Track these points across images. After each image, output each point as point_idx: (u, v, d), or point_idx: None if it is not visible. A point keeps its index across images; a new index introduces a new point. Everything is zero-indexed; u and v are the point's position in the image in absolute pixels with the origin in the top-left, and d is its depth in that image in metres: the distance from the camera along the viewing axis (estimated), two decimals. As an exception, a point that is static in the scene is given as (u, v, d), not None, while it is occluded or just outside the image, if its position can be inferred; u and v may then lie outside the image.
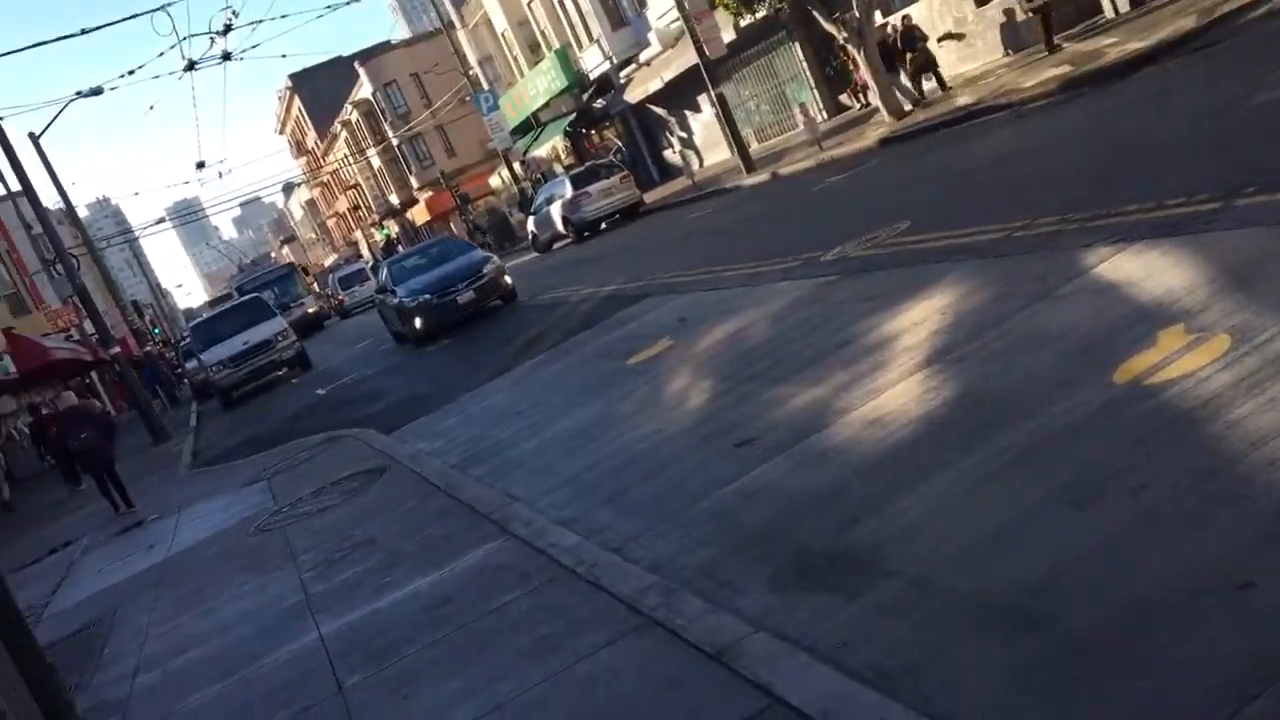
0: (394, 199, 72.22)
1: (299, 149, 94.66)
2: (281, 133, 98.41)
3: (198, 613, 7.84)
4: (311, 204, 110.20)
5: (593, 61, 39.93)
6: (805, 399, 6.68)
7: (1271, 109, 8.94)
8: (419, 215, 68.23)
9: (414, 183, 66.46)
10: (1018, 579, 3.73)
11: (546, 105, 44.41)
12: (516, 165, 47.67)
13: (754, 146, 30.80)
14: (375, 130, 68.16)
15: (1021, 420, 4.91)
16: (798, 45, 30.09)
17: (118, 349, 25.60)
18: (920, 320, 7.13)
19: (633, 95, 37.56)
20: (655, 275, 15.14)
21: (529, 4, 43.23)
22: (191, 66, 25.58)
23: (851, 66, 25.96)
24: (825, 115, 29.71)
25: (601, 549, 5.55)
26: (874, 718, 3.24)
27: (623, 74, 38.62)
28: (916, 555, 4.20)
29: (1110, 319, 5.63)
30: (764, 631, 4.00)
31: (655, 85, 34.95)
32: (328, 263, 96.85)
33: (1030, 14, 20.28)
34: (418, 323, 19.23)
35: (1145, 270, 6.08)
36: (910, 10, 23.76)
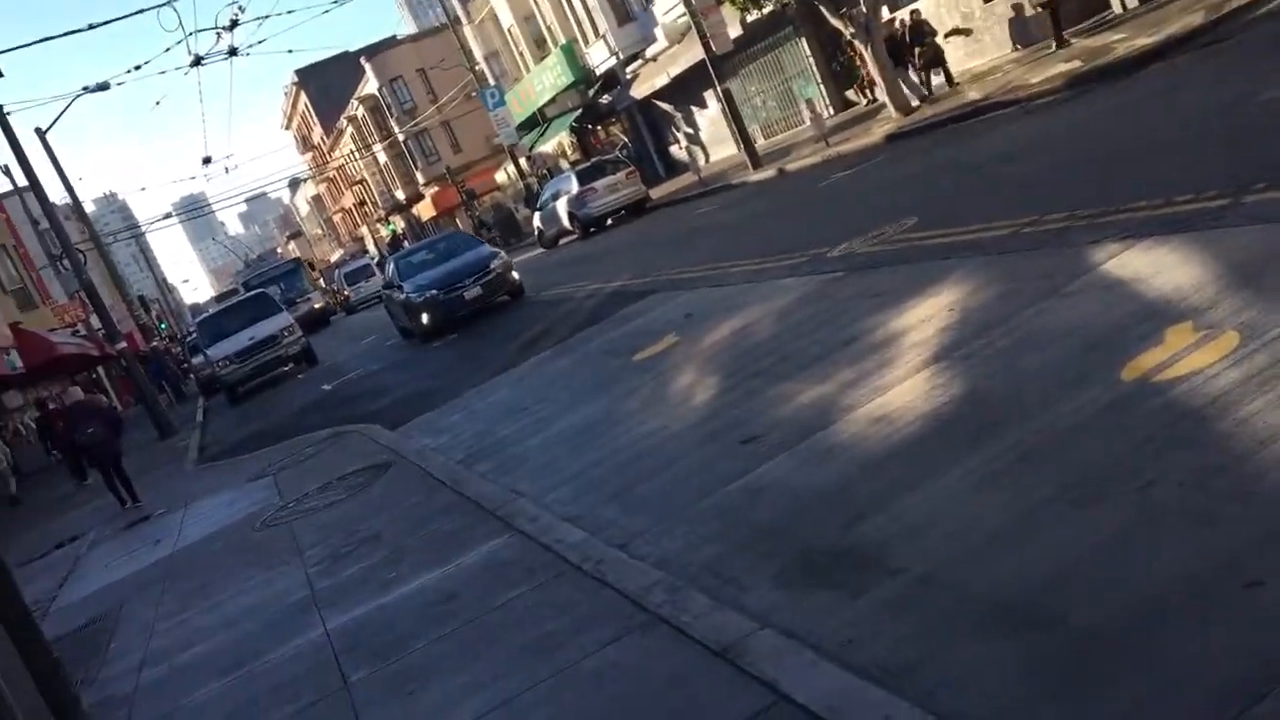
0: (400, 194, 72.30)
1: (305, 144, 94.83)
2: (288, 128, 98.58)
3: (204, 608, 7.85)
4: (317, 199, 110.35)
5: (599, 57, 39.91)
6: (811, 396, 6.67)
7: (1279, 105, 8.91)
8: (425, 211, 68.30)
9: (420, 178, 66.52)
10: (1024, 576, 3.72)
11: (552, 101, 44.41)
12: (522, 161, 47.70)
13: (760, 142, 30.76)
14: (381, 126, 68.23)
15: (1028, 418, 4.90)
16: (804, 41, 30.05)
17: (124, 344, 25.61)
18: (927, 317, 7.12)
19: (639, 91, 37.54)
20: (661, 271, 15.13)
21: (535, -1, 43.25)
22: (198, 62, 25.58)
23: (858, 62, 25.92)
24: (832, 111, 29.66)
25: (607, 545, 5.55)
26: (879, 715, 3.23)
27: (629, 69, 38.60)
28: (922, 552, 4.19)
29: (1118, 316, 5.61)
30: (769, 628, 4.00)
31: (661, 81, 34.93)
32: (333, 258, 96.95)
33: (1039, 9, 20.23)
34: (424, 318, 19.21)
35: (1153, 267, 6.06)
36: (918, 5, 23.72)
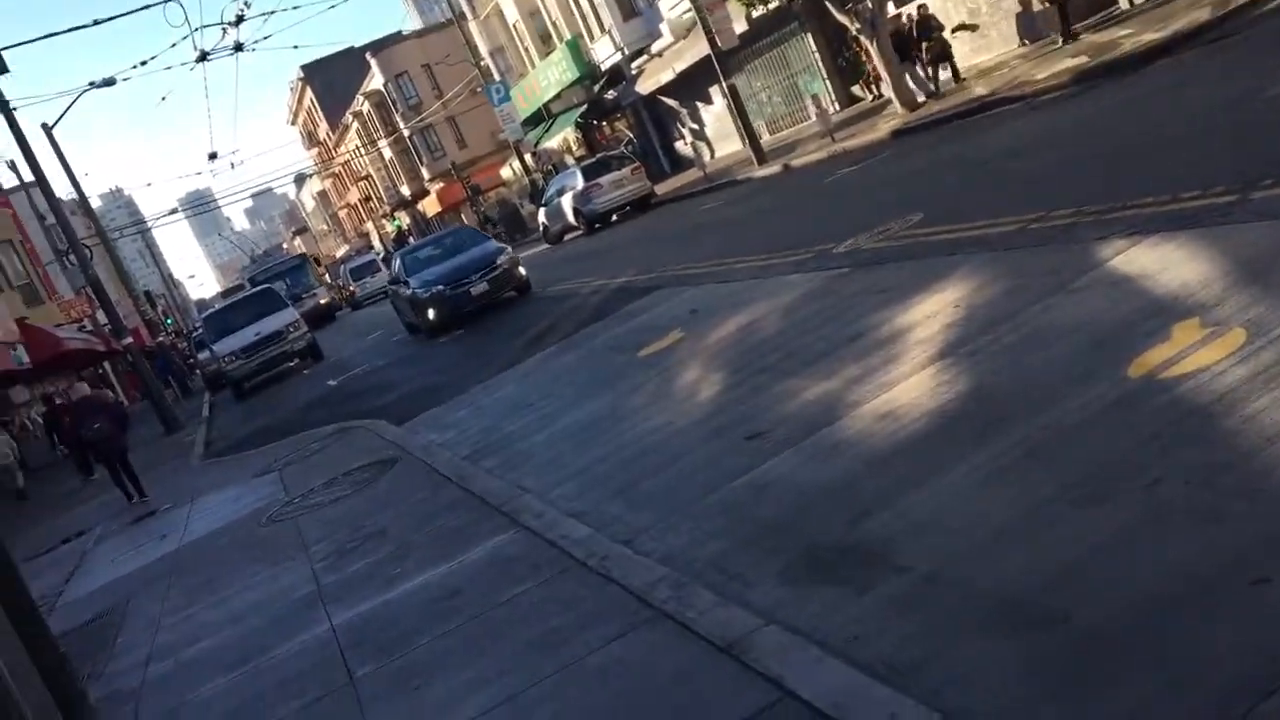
0: (405, 190, 72.32)
1: (311, 140, 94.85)
2: (293, 124, 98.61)
3: (210, 603, 7.87)
4: (323, 195, 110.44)
5: (604, 52, 39.89)
6: (817, 392, 6.66)
7: (1288, 101, 8.88)
8: (430, 206, 68.31)
9: (425, 174, 66.54)
10: (1031, 573, 3.71)
11: (558, 96, 44.38)
12: (528, 157, 47.68)
13: (766, 138, 30.74)
14: (387, 121, 68.26)
15: (1034, 414, 4.89)
16: (810, 36, 30.00)
17: (130, 339, 25.67)
18: (933, 313, 7.11)
19: (644, 86, 37.51)
20: (666, 267, 15.12)
21: (541, -5, 43.21)
22: (204, 58, 25.62)
23: (864, 58, 25.90)
24: (837, 107, 29.62)
25: (612, 541, 5.55)
26: (885, 712, 3.23)
27: (634, 65, 38.56)
28: (928, 549, 4.19)
29: (1125, 312, 5.60)
30: (775, 625, 4.00)
31: (667, 76, 34.89)
32: (339, 254, 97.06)
33: (1047, 4, 20.17)
34: (431, 314, 19.18)
35: (1160, 263, 6.04)
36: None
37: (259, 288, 33.44)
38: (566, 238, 31.52)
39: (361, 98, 70.16)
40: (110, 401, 16.10)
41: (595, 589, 5.02)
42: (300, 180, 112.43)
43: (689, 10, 27.88)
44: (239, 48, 25.89)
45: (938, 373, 5.99)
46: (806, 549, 4.67)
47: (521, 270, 19.86)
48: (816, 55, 30.29)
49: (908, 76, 22.17)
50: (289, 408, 19.68)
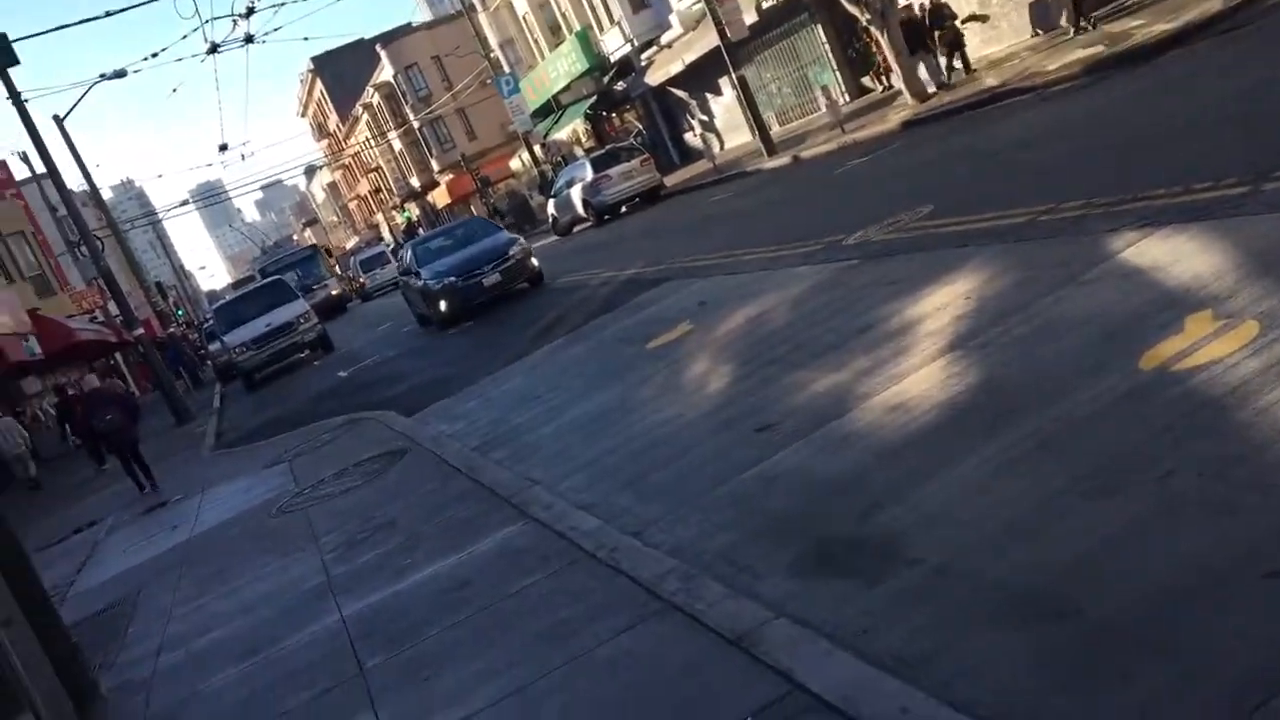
0: (415, 182, 72.36)
1: (321, 132, 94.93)
2: (303, 115, 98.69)
3: (221, 593, 7.90)
4: (333, 187, 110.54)
5: (614, 44, 39.82)
6: (826, 384, 6.65)
7: (1302, 92, 8.82)
8: (440, 198, 68.34)
9: (435, 165, 66.56)
10: (1042, 566, 3.70)
11: (567, 88, 44.33)
12: (537, 148, 47.67)
13: (775, 129, 30.65)
14: (396, 113, 68.27)
15: (1045, 406, 4.87)
16: (820, 27, 29.91)
17: (141, 330, 25.76)
18: (943, 305, 7.08)
19: (653, 78, 37.44)
20: (675, 259, 15.10)
21: (550, -14, 43.15)
22: (214, 49, 25.66)
23: (874, 49, 25.76)
24: (847, 98, 29.52)
25: (621, 533, 5.55)
26: (895, 705, 3.22)
27: (643, 56, 38.49)
28: (939, 541, 4.17)
29: (1136, 304, 5.57)
30: (784, 617, 3.99)
31: (676, 68, 34.82)
32: (349, 245, 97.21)
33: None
34: (442, 305, 19.10)
35: (1172, 255, 6.01)
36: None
37: (270, 279, 33.49)
38: (575, 229, 31.50)
39: (371, 89, 70.19)
40: (121, 393, 16.16)
41: (604, 581, 5.02)
42: (310, 172, 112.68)
43: (699, 2, 27.81)
44: (249, 39, 25.91)
45: (948, 365, 5.98)
46: (816, 541, 4.66)
47: (534, 261, 19.79)
48: (826, 46, 30.18)
49: (921, 65, 22.07)
50: (299, 399, 19.73)
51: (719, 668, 3.88)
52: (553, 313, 15.38)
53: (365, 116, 75.02)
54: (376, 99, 70.30)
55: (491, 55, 47.62)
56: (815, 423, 6.04)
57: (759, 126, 26.35)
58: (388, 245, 61.26)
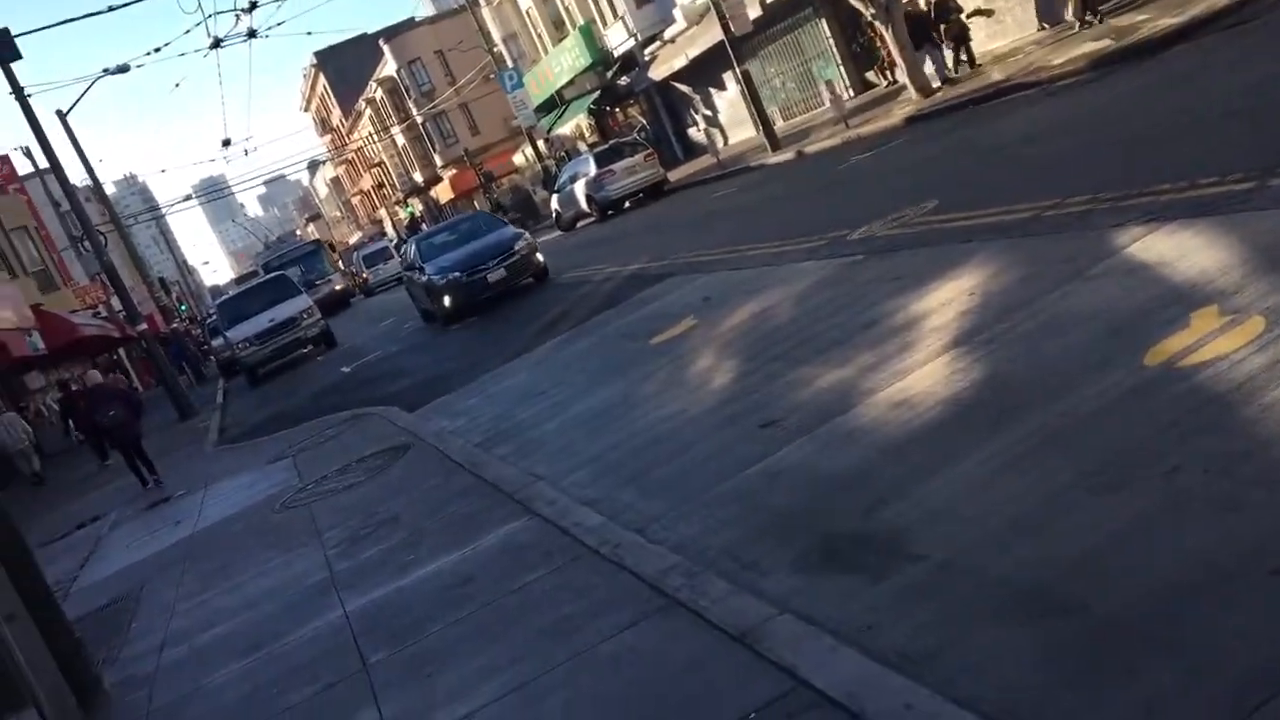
0: (418, 177, 72.36)
1: (324, 127, 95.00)
2: (307, 110, 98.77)
3: (224, 588, 7.90)
4: (336, 182, 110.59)
5: (617, 38, 39.77)
6: (830, 380, 6.63)
7: (1308, 86, 8.78)
8: (443, 193, 68.34)
9: (438, 160, 66.55)
10: (1047, 562, 3.69)
11: (571, 83, 44.27)
12: (540, 143, 47.63)
13: (779, 124, 30.62)
14: (400, 108, 68.26)
15: (1051, 402, 4.86)
16: (824, 22, 29.85)
17: (145, 326, 25.78)
18: (948, 301, 7.06)
19: (657, 73, 37.40)
20: (679, 254, 15.08)
21: (553, -19, 43.10)
22: (217, 44, 25.63)
23: (878, 43, 25.75)
24: (852, 93, 29.47)
25: (625, 529, 5.54)
26: (899, 701, 3.21)
27: (647, 51, 38.44)
28: (944, 538, 4.16)
29: (1142, 300, 5.55)
30: (788, 614, 3.98)
31: (680, 63, 34.77)
32: (352, 240, 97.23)
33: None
34: (446, 301, 18.98)
35: (1178, 250, 5.99)
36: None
37: (273, 274, 33.48)
38: (579, 224, 31.48)
39: (374, 84, 70.18)
40: (125, 388, 16.21)
41: (607, 577, 5.01)
42: (314, 167, 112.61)
43: (702, -4, 27.77)
44: (252, 34, 25.87)
45: (953, 360, 5.96)
46: (820, 537, 4.65)
47: (539, 256, 19.67)
48: (831, 41, 30.13)
49: (928, 59, 22.02)
50: (302, 394, 19.73)
51: (722, 664, 3.87)
52: (556, 308, 15.36)
53: (368, 111, 75.00)
54: (380, 94, 70.29)
55: (495, 50, 47.55)
56: (820, 419, 6.02)
57: (763, 121, 26.32)
58: (391, 240, 61.17)
